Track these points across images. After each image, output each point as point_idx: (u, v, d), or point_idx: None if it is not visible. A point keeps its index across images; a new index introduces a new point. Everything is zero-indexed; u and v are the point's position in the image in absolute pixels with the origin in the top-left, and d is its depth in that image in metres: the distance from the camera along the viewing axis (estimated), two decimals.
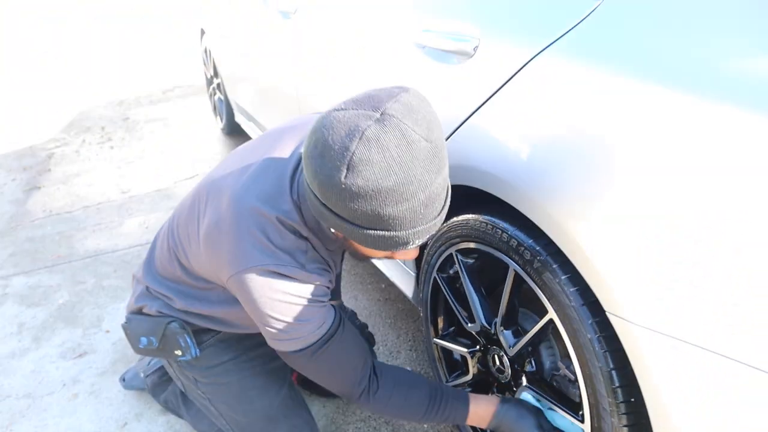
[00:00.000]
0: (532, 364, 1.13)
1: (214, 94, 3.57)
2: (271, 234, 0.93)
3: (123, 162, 3.26)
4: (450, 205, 1.19)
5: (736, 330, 0.70)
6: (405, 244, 0.83)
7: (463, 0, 1.14)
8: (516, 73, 0.95)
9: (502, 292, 1.09)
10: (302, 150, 0.83)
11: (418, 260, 1.42)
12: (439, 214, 0.85)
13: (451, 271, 1.29)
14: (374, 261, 1.67)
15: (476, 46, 1.04)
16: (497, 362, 1.20)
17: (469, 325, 1.23)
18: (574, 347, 0.94)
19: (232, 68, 2.87)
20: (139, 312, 1.21)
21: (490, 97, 1.00)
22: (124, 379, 1.57)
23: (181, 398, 1.40)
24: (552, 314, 0.97)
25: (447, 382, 1.38)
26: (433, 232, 0.87)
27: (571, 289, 0.91)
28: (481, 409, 1.11)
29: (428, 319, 1.40)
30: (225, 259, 0.95)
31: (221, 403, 1.23)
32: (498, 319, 1.13)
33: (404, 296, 1.86)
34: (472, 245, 1.15)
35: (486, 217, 1.09)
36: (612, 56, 0.83)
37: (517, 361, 1.14)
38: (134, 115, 4.08)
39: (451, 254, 1.23)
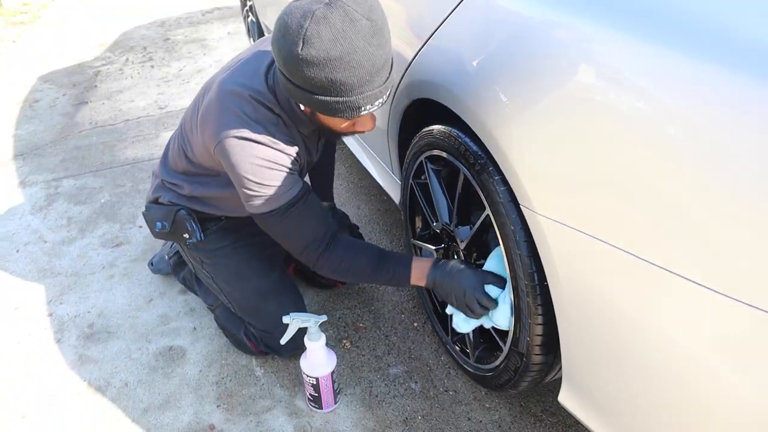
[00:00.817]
0: (481, 258, 1.29)
1: (248, 16, 3.69)
2: (247, 109, 1.14)
3: (162, 81, 3.48)
4: (422, 118, 1.34)
5: (616, 220, 0.83)
6: (357, 108, 1.03)
7: None
8: None
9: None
10: (270, 37, 1.02)
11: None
12: (384, 83, 1.03)
13: (423, 177, 1.44)
14: (370, 171, 1.84)
15: None
16: (455, 257, 1.37)
17: (434, 224, 1.40)
18: (501, 238, 1.10)
19: None
20: (155, 201, 1.44)
21: (444, 20, 1.12)
22: (152, 264, 1.84)
23: (194, 277, 1.65)
24: (488, 210, 1.12)
25: None
26: (381, 99, 1.05)
27: (502, 188, 1.06)
28: (420, 270, 1.25)
29: (407, 220, 1.58)
30: (211, 132, 1.16)
31: (222, 281, 1.46)
32: (453, 216, 1.29)
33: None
34: (436, 152, 1.30)
35: (446, 127, 1.23)
36: None
37: (469, 254, 1.31)
38: (174, 36, 4.26)
39: (422, 161, 1.38)
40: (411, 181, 1.47)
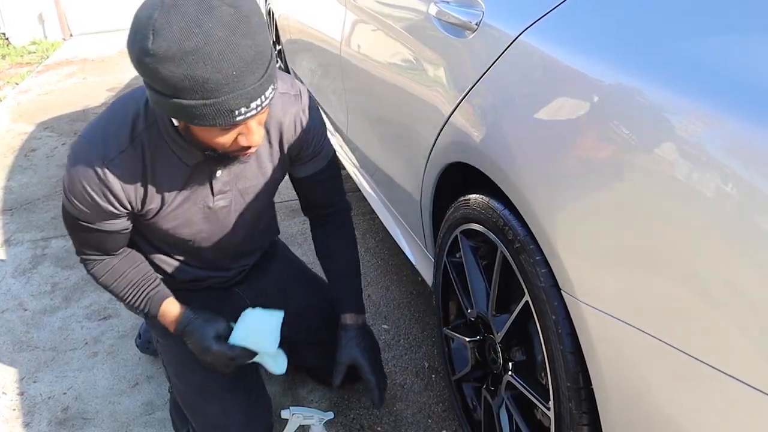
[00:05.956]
0: (522, 354, 1.33)
1: (277, 62, 3.96)
2: (109, 124, 1.24)
3: None
4: (457, 184, 1.42)
5: (674, 314, 0.86)
6: (229, 111, 1.02)
7: None
8: (505, 50, 1.17)
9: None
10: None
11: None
12: (259, 80, 1.03)
13: (458, 255, 1.51)
14: (402, 247, 1.92)
15: (480, 20, 1.27)
16: (492, 353, 1.41)
17: (469, 311, 1.45)
18: (541, 329, 1.14)
19: (293, 38, 3.22)
20: None
21: (484, 74, 1.23)
22: (140, 336, 1.94)
23: None
24: (527, 295, 1.17)
25: (454, 375, 1.61)
26: (258, 102, 1.05)
27: (543, 270, 1.12)
28: (172, 313, 1.39)
29: (440, 305, 1.64)
30: None
31: (169, 366, 1.55)
32: (490, 302, 1.34)
33: None
34: (473, 226, 1.37)
35: (484, 196, 1.31)
36: (576, 41, 1.04)
37: (507, 349, 1.35)
38: None
39: (457, 236, 1.45)
40: (445, 258, 1.53)
